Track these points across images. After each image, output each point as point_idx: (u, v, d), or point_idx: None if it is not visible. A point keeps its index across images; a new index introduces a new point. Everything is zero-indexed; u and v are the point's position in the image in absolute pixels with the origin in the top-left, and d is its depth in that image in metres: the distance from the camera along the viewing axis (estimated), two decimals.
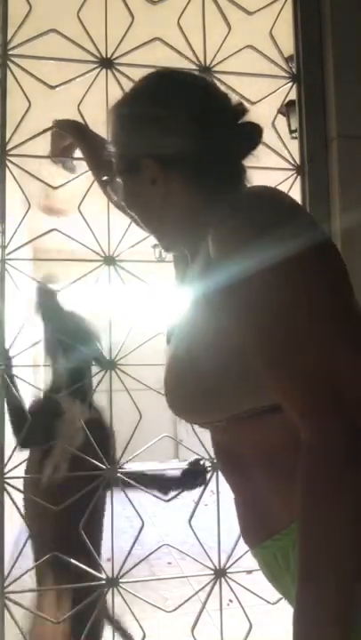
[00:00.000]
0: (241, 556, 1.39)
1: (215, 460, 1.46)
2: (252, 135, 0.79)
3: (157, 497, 1.55)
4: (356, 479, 0.57)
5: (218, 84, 1.41)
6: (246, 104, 0.81)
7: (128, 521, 3.66)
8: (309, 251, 0.64)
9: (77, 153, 1.27)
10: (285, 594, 0.75)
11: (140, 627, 1.41)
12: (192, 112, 0.76)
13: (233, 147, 0.77)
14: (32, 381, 1.59)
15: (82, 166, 1.37)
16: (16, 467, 1.46)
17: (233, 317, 0.67)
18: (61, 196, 1.58)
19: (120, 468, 1.44)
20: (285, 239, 0.63)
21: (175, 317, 0.85)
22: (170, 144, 0.76)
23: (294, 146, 1.46)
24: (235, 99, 0.81)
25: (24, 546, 1.48)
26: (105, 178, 0.87)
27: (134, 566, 1.45)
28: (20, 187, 1.39)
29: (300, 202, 1.41)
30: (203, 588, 1.45)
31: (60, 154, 1.27)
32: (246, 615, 1.43)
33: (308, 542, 0.59)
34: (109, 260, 1.44)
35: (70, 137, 1.27)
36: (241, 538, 0.82)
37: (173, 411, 0.77)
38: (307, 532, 0.59)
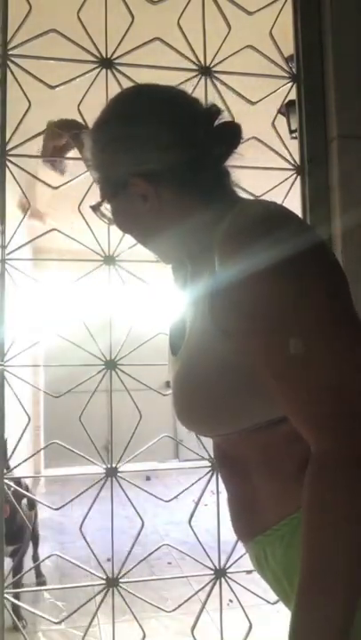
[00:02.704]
0: (241, 556, 1.39)
1: (215, 461, 1.46)
2: (231, 134, 0.79)
3: (157, 497, 1.55)
4: None
5: (217, 84, 1.42)
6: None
7: (128, 521, 3.66)
8: (314, 266, 0.64)
9: (72, 153, 1.27)
10: (269, 583, 0.80)
11: (140, 627, 1.41)
12: (168, 124, 0.77)
13: (214, 149, 0.78)
14: (32, 381, 1.59)
15: (81, 167, 1.37)
16: (16, 466, 1.46)
17: (240, 334, 0.67)
18: (44, 199, 1.58)
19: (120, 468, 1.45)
20: (293, 256, 0.63)
21: (177, 325, 0.85)
22: (153, 159, 0.76)
23: (294, 146, 1.46)
24: (207, 102, 0.82)
25: (24, 546, 1.48)
26: (91, 205, 0.87)
27: (134, 566, 1.45)
28: (20, 187, 1.39)
29: (300, 202, 1.41)
30: (203, 587, 1.45)
31: (51, 154, 1.26)
32: (246, 615, 1.43)
33: (313, 556, 0.59)
34: (109, 260, 1.44)
35: (70, 139, 1.27)
36: (242, 541, 0.84)
37: (182, 423, 0.78)
38: (312, 546, 0.60)
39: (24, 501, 3.05)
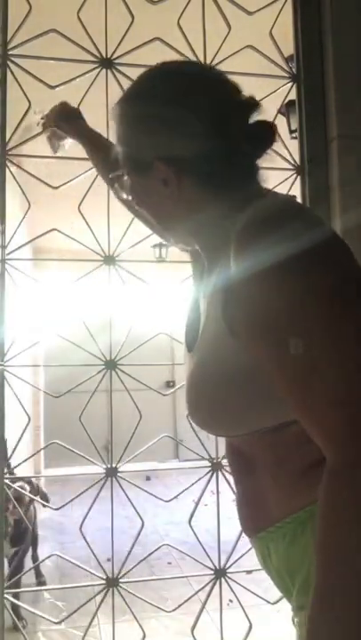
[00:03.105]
0: (241, 556, 1.39)
1: (215, 461, 1.46)
2: (265, 134, 0.77)
3: (157, 497, 1.55)
4: None
5: None
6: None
7: (128, 521, 3.66)
8: (322, 263, 0.63)
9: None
10: (272, 579, 0.79)
11: (140, 627, 1.41)
12: (205, 114, 0.73)
13: (245, 147, 0.75)
14: (32, 381, 1.59)
15: (81, 167, 1.37)
16: (16, 466, 1.46)
17: (246, 333, 0.66)
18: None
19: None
20: (300, 253, 0.61)
21: (193, 320, 0.84)
22: (182, 147, 0.74)
23: (294, 146, 1.46)
24: (246, 92, 0.78)
25: (24, 546, 1.48)
26: (112, 175, 0.84)
27: (134, 566, 1.45)
28: (20, 187, 1.39)
29: (300, 202, 1.41)
30: (203, 587, 1.45)
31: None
32: (246, 615, 1.43)
33: (327, 569, 0.58)
34: (109, 260, 1.44)
35: (68, 134, 1.26)
36: (241, 538, 0.85)
37: (193, 422, 0.77)
38: (326, 560, 0.58)
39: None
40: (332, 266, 0.63)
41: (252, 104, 0.76)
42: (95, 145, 1.24)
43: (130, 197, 0.84)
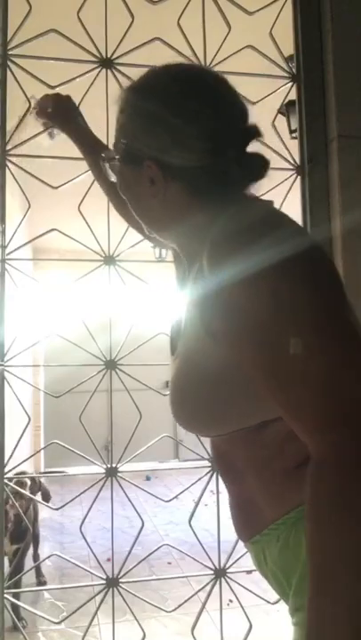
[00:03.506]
0: (241, 556, 1.39)
1: (213, 459, 1.46)
2: (258, 169, 0.78)
3: (157, 497, 1.55)
4: None
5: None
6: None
7: (128, 521, 3.67)
8: (297, 274, 0.64)
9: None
10: (269, 582, 0.80)
11: (140, 627, 1.41)
12: (207, 131, 0.74)
13: (236, 174, 0.76)
14: (32, 381, 1.59)
15: (81, 167, 1.37)
16: (16, 466, 1.46)
17: (226, 340, 0.67)
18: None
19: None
20: (274, 264, 0.62)
21: (176, 324, 0.85)
22: (177, 155, 0.74)
23: (294, 146, 1.46)
24: (246, 92, 0.79)
25: (24, 546, 1.48)
26: (104, 154, 0.85)
27: (134, 566, 1.45)
28: (20, 187, 1.39)
29: (300, 202, 1.41)
30: (203, 587, 1.45)
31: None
32: (246, 615, 1.43)
33: (318, 557, 0.58)
34: (109, 260, 1.44)
35: (55, 124, 1.26)
36: (242, 541, 0.85)
37: (179, 423, 0.78)
38: (317, 546, 0.59)
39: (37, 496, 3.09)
40: (302, 274, 0.64)
41: (254, 133, 0.77)
42: (90, 146, 1.24)
43: (115, 180, 0.85)
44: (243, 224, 0.69)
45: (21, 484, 2.65)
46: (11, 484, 1.37)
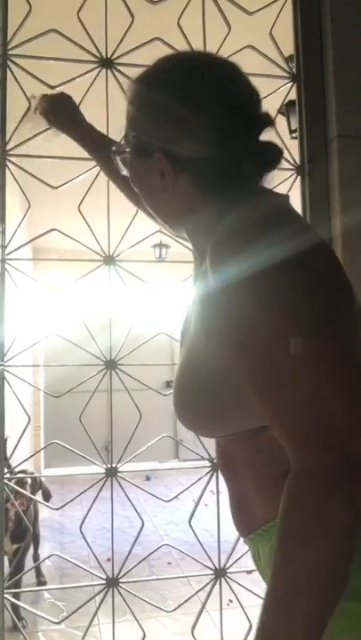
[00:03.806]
0: (241, 556, 1.39)
1: (215, 461, 1.46)
2: (272, 157, 0.76)
3: (157, 497, 1.55)
4: (342, 506, 0.57)
5: None
6: None
7: (128, 521, 3.67)
8: (298, 276, 0.62)
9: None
10: (264, 579, 0.80)
11: (140, 627, 1.41)
12: (218, 121, 0.73)
13: (248, 166, 0.75)
14: (32, 381, 1.59)
15: (81, 167, 1.37)
16: (16, 466, 1.46)
17: (221, 342, 0.67)
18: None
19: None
20: (275, 266, 0.61)
21: (185, 321, 0.85)
22: (187, 147, 0.73)
23: (294, 146, 1.46)
24: (264, 110, 0.78)
25: (24, 546, 1.48)
26: (114, 148, 0.83)
27: (134, 566, 1.45)
28: (20, 187, 1.39)
29: (300, 202, 1.41)
30: (203, 587, 1.45)
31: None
32: (246, 615, 1.43)
33: (282, 571, 0.59)
34: (109, 260, 1.44)
35: (55, 125, 1.26)
36: (240, 537, 0.86)
37: (182, 423, 0.78)
38: (282, 561, 0.59)
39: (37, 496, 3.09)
40: (305, 280, 0.62)
41: (267, 121, 0.76)
42: (95, 144, 1.23)
43: (126, 173, 0.84)
44: (247, 222, 0.67)
45: (22, 483, 2.65)
46: (10, 483, 1.37)
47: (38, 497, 3.12)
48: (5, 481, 1.33)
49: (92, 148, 1.24)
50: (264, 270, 0.61)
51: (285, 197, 0.78)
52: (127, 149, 0.81)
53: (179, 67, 0.78)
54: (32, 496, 2.73)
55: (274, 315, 0.61)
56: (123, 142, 0.82)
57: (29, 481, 2.93)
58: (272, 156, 0.77)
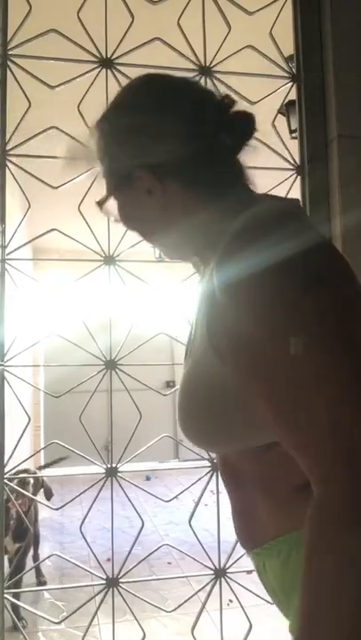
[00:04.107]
0: (241, 556, 1.38)
1: (215, 461, 1.46)
2: (243, 124, 0.75)
3: (157, 497, 1.55)
4: None
5: (217, 83, 1.42)
6: (246, 104, 0.80)
7: (128, 521, 3.67)
8: (307, 278, 0.60)
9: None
10: (268, 593, 0.79)
11: (140, 627, 1.41)
12: (179, 116, 0.73)
13: (226, 142, 0.74)
14: (32, 381, 1.59)
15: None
16: (16, 466, 1.46)
17: (227, 354, 0.64)
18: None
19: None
20: (281, 269, 0.59)
21: (191, 329, 0.82)
22: (162, 152, 0.72)
23: (294, 146, 1.46)
24: (219, 93, 0.78)
25: (25, 545, 1.48)
26: (97, 200, 0.82)
27: (134, 566, 1.45)
28: (20, 187, 1.39)
29: (295, 210, 1.41)
30: (203, 587, 1.45)
31: None
32: (246, 615, 1.43)
33: (309, 599, 0.57)
34: (109, 260, 1.44)
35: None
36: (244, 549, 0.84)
37: (187, 438, 0.75)
38: (309, 586, 0.57)
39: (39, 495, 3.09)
40: (316, 292, 0.60)
41: (228, 101, 0.76)
42: None
43: (118, 220, 0.82)
44: (254, 231, 0.64)
45: (24, 483, 2.64)
46: (11, 484, 1.37)
47: (40, 496, 3.12)
48: (6, 481, 1.33)
49: None
50: (275, 283, 0.59)
51: (295, 201, 0.77)
52: (110, 191, 0.80)
53: (127, 89, 0.81)
54: (33, 497, 2.73)
55: (283, 326, 0.58)
56: (105, 192, 0.81)
57: (32, 481, 2.93)
58: (244, 121, 0.76)
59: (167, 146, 0.72)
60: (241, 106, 0.79)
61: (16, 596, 1.80)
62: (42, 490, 3.24)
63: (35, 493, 3.03)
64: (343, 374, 0.57)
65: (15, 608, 1.74)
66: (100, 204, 0.82)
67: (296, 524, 0.66)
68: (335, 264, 0.65)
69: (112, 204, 0.81)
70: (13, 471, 1.40)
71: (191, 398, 0.72)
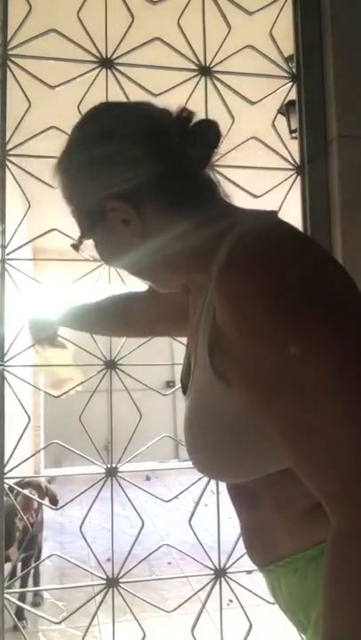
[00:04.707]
0: (241, 556, 1.38)
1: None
2: (206, 133, 0.73)
3: (157, 497, 1.55)
4: None
5: (217, 84, 1.42)
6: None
7: (128, 521, 3.67)
8: (321, 317, 0.57)
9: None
10: (283, 610, 0.77)
11: (140, 627, 1.41)
12: (138, 137, 0.71)
13: (193, 154, 0.71)
14: (32, 381, 1.59)
15: None
16: (16, 466, 1.46)
17: (242, 391, 0.62)
18: None
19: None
20: (314, 305, 0.57)
21: (185, 360, 0.80)
22: (127, 177, 0.69)
23: (294, 146, 1.46)
24: (176, 109, 0.75)
25: (24, 546, 1.48)
26: (72, 244, 0.80)
27: (134, 566, 1.45)
28: (20, 187, 1.39)
29: (300, 202, 1.41)
30: (203, 587, 1.44)
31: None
32: (246, 615, 1.43)
33: (331, 626, 0.57)
34: None
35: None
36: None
37: (199, 470, 0.75)
38: (331, 616, 0.56)
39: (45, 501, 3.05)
40: (333, 320, 0.58)
41: (186, 114, 0.73)
42: (93, 321, 1.26)
43: (99, 259, 0.80)
44: (256, 257, 0.61)
45: (29, 499, 2.57)
46: (23, 491, 1.36)
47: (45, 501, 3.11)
48: (6, 481, 1.33)
49: (92, 323, 1.25)
50: (289, 313, 0.57)
51: (275, 214, 0.74)
52: (84, 233, 0.77)
53: (81, 125, 0.78)
54: (40, 500, 2.69)
55: (300, 364, 0.56)
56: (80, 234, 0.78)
57: (36, 493, 2.87)
58: (208, 129, 0.73)
59: (134, 169, 0.70)
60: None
61: (21, 598, 1.79)
62: (46, 498, 3.22)
63: (39, 504, 3.00)
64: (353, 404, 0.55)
65: (18, 609, 1.73)
66: (76, 247, 0.79)
67: (314, 540, 0.67)
68: (348, 287, 0.62)
69: (89, 245, 0.78)
70: (14, 480, 1.39)
71: (201, 431, 0.70)
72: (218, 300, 0.62)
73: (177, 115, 0.74)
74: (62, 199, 0.78)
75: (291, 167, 1.45)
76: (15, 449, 1.40)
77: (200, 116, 0.74)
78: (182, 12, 1.43)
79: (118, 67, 1.41)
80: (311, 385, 0.56)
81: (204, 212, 0.71)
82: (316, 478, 0.58)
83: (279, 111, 1.71)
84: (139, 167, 0.70)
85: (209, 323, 0.66)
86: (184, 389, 0.80)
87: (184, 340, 0.90)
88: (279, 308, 0.57)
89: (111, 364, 1.45)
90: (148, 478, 5.87)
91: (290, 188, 1.43)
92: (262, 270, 0.59)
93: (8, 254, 1.35)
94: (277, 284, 0.58)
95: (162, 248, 0.73)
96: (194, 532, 1.44)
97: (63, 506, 1.56)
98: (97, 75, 1.40)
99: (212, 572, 1.45)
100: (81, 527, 1.45)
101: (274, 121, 1.51)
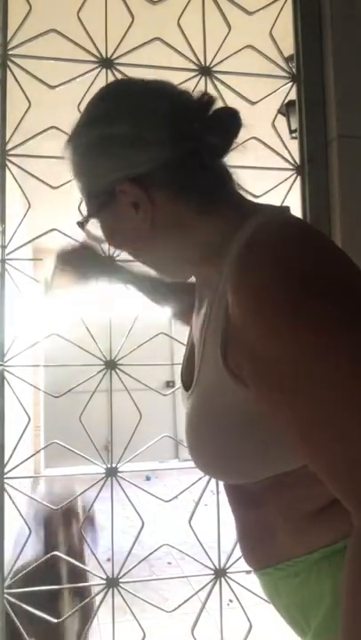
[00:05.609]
0: (241, 556, 1.38)
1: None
2: (228, 121, 0.69)
3: (157, 497, 1.55)
4: None
5: (217, 84, 1.42)
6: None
7: (128, 521, 3.67)
8: (344, 314, 0.56)
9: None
10: (280, 613, 0.76)
11: (140, 627, 1.41)
12: (159, 118, 0.68)
13: (211, 140, 0.68)
14: (32, 381, 1.59)
15: None
16: (16, 467, 1.46)
17: (258, 389, 0.60)
18: None
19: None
20: (319, 305, 0.55)
21: (187, 355, 0.78)
22: (141, 159, 0.66)
23: (294, 146, 1.46)
24: (197, 92, 0.72)
25: (24, 546, 1.48)
26: (78, 221, 0.76)
27: (134, 566, 1.45)
28: (20, 187, 1.39)
29: (300, 202, 1.41)
30: (203, 587, 1.44)
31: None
32: (246, 615, 1.43)
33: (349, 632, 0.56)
34: (109, 259, 1.44)
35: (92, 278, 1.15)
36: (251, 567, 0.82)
37: (198, 468, 0.73)
38: (350, 622, 0.55)
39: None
40: (352, 312, 0.56)
41: (207, 99, 0.70)
42: (138, 280, 1.14)
43: (105, 244, 0.78)
44: (273, 253, 0.60)
45: (70, 519, 2.13)
46: (11, 483, 1.36)
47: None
48: (6, 481, 1.33)
49: (138, 283, 1.15)
50: (311, 311, 0.55)
51: (287, 209, 0.72)
52: (92, 213, 0.74)
53: (97, 99, 0.74)
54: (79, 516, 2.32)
55: (322, 361, 0.55)
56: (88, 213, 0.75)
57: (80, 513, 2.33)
58: (229, 117, 0.70)
59: (150, 152, 0.67)
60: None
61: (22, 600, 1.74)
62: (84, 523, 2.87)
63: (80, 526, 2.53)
64: None
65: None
66: (82, 225, 0.76)
67: (318, 545, 0.65)
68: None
69: (94, 225, 0.76)
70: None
71: (206, 427, 0.68)
72: (232, 296, 0.60)
73: (198, 99, 0.70)
74: (72, 176, 0.75)
75: (291, 167, 1.45)
76: (15, 449, 1.40)
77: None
78: (182, 12, 1.43)
79: (118, 67, 1.41)
80: (330, 377, 0.55)
81: (218, 205, 0.69)
82: (334, 472, 0.56)
83: (279, 111, 1.71)
84: (155, 150, 0.67)
85: (221, 319, 0.64)
86: (186, 385, 0.78)
87: (184, 340, 0.90)
88: (296, 304, 0.56)
89: (111, 364, 1.45)
90: (148, 478, 5.87)
91: (290, 188, 1.43)
92: (278, 267, 0.58)
93: (8, 254, 1.35)
94: (294, 280, 0.57)
95: (171, 237, 0.70)
96: (194, 532, 1.44)
97: (63, 506, 1.55)
98: (97, 75, 1.40)
99: (212, 572, 1.45)
100: (81, 527, 1.45)
101: (274, 121, 1.51)
